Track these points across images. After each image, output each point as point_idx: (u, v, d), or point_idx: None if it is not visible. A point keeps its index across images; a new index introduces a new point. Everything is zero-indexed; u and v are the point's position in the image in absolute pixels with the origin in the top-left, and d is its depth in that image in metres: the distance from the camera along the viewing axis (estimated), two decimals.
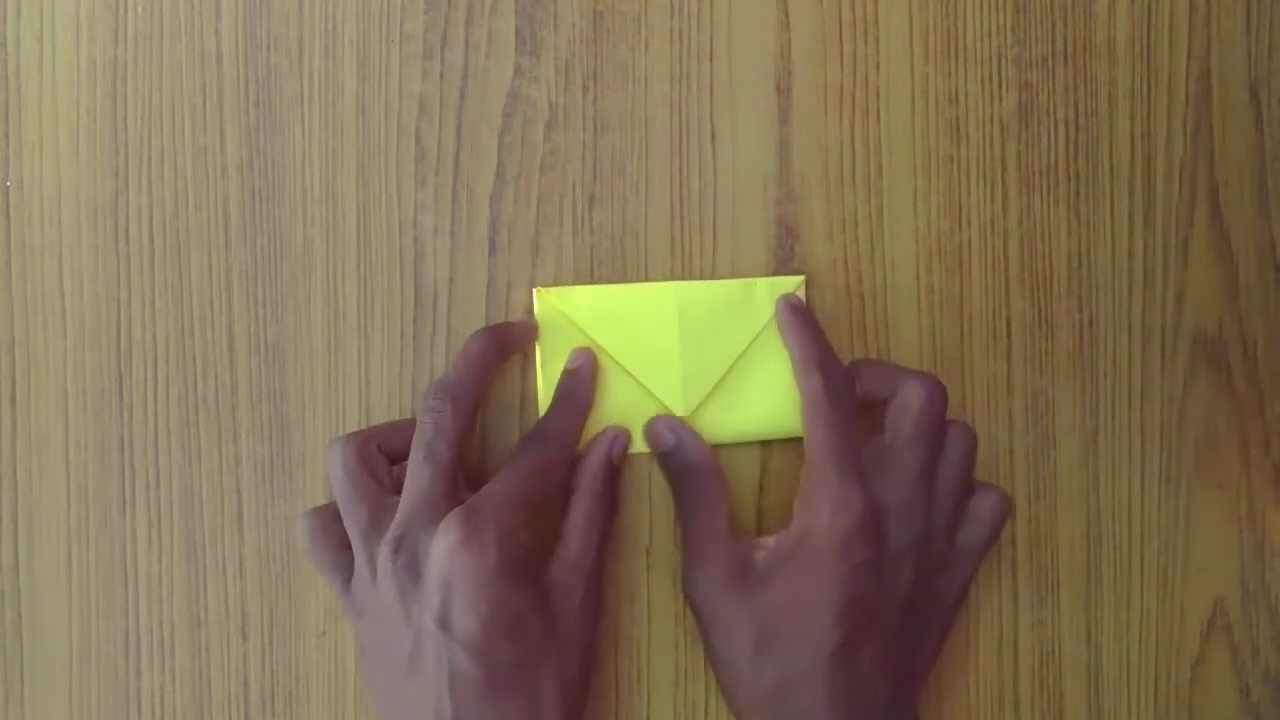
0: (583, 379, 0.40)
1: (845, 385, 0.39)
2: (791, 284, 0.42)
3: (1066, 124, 0.44)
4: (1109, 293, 0.45)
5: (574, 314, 0.41)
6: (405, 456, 0.38)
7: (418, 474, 0.36)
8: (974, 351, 0.44)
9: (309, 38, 0.41)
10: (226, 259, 0.41)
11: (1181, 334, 0.45)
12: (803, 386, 0.39)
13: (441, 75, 0.41)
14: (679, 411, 0.41)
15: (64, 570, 0.41)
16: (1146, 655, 0.45)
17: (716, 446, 0.42)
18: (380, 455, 0.38)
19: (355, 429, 0.41)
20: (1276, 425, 0.46)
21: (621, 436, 0.40)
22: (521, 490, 0.36)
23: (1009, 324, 0.44)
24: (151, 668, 0.41)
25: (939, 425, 0.38)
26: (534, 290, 0.41)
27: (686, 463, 0.40)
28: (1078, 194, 0.45)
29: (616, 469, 0.40)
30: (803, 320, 0.41)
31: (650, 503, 0.42)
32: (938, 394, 0.38)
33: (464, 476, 0.38)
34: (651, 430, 0.41)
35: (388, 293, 0.41)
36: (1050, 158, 0.44)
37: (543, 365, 0.41)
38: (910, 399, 0.38)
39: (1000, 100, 0.44)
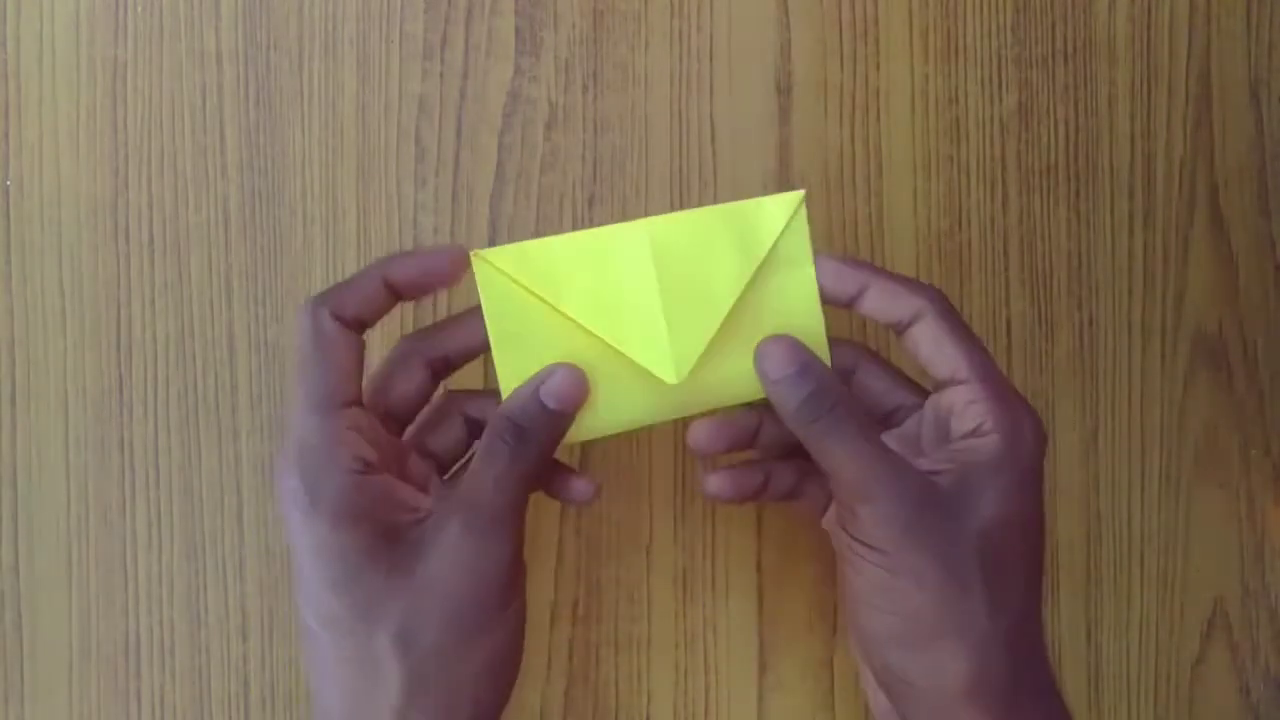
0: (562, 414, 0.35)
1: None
2: (789, 201, 0.36)
3: (1066, 124, 0.44)
4: (1109, 293, 0.45)
5: (523, 276, 0.34)
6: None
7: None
8: None
9: (309, 38, 0.41)
10: (226, 259, 0.41)
11: (1181, 334, 0.45)
12: (918, 306, 0.35)
13: (441, 75, 0.41)
14: (670, 379, 0.34)
15: (64, 570, 0.41)
16: (1146, 655, 0.45)
17: (722, 413, 0.37)
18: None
19: None
20: (1276, 425, 0.46)
21: (564, 376, 0.34)
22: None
23: (1009, 324, 0.44)
24: (151, 668, 0.41)
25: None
26: (470, 254, 0.34)
27: (820, 385, 0.34)
28: (1078, 194, 0.45)
29: (553, 414, 0.34)
30: (862, 263, 0.36)
31: (650, 503, 0.42)
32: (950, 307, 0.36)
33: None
34: (772, 352, 0.34)
35: None
36: (1050, 158, 0.44)
37: (498, 348, 0.34)
38: (933, 318, 0.35)
39: (1000, 100, 0.44)
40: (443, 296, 0.42)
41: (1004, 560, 0.33)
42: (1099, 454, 0.45)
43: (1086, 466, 0.45)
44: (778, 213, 0.35)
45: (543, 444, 0.34)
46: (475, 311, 0.34)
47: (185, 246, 0.41)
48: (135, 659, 0.41)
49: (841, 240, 0.43)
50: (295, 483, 0.31)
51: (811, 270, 0.36)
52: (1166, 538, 0.45)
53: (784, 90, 0.43)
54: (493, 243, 0.42)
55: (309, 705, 0.41)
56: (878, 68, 0.43)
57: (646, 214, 0.42)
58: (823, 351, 0.36)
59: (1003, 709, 0.32)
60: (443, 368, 0.36)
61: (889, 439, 0.36)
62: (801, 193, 0.36)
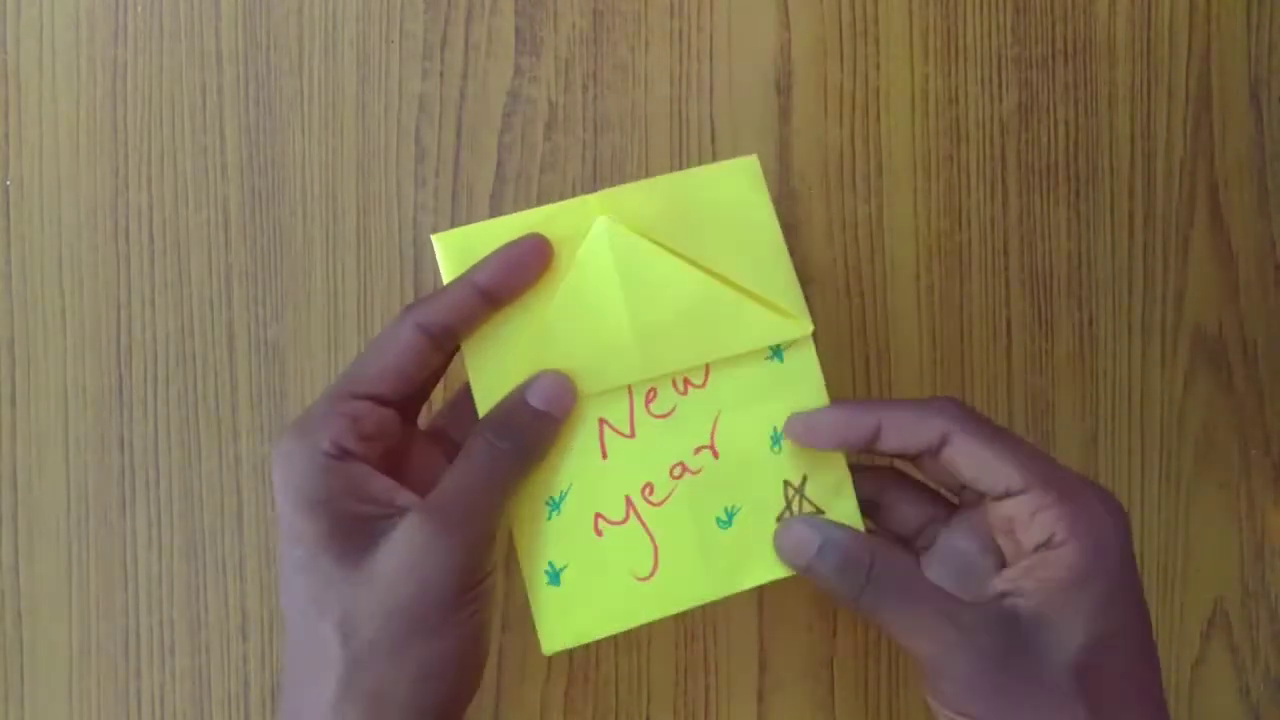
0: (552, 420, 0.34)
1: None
2: (744, 167, 0.35)
3: (1066, 124, 0.44)
4: (1109, 293, 0.45)
5: (480, 256, 0.34)
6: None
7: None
8: (974, 351, 0.44)
9: (309, 38, 0.41)
10: (226, 259, 0.41)
11: (1181, 334, 0.45)
12: (942, 428, 0.33)
13: (441, 75, 0.41)
14: (636, 370, 0.34)
15: (64, 570, 0.41)
16: None
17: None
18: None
19: None
20: (1276, 425, 0.46)
21: (551, 382, 0.34)
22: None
23: (1009, 324, 0.44)
24: (151, 668, 0.41)
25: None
26: (432, 238, 0.34)
27: (846, 557, 0.33)
28: (1078, 194, 0.45)
29: (543, 417, 0.33)
30: (868, 403, 0.36)
31: None
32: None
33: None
34: (786, 542, 0.34)
35: (388, 293, 0.41)
36: (1050, 158, 0.44)
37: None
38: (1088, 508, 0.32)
39: (1000, 100, 0.44)
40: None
41: (1109, 683, 0.31)
42: (1099, 454, 0.45)
43: (1086, 466, 0.45)
44: (734, 177, 0.35)
45: (523, 446, 0.33)
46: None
47: (185, 246, 0.41)
48: (135, 659, 0.41)
49: (841, 240, 0.43)
50: (280, 459, 0.32)
51: (776, 227, 0.35)
52: (1166, 538, 0.45)
53: (784, 90, 0.43)
54: None
55: None
56: (878, 68, 0.43)
57: None
58: (798, 304, 0.35)
59: None
60: (444, 338, 0.34)
61: (936, 571, 0.34)
62: (754, 157, 0.35)
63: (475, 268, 0.33)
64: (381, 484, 0.33)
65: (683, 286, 0.35)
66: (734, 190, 0.35)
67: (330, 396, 0.33)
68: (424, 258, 0.41)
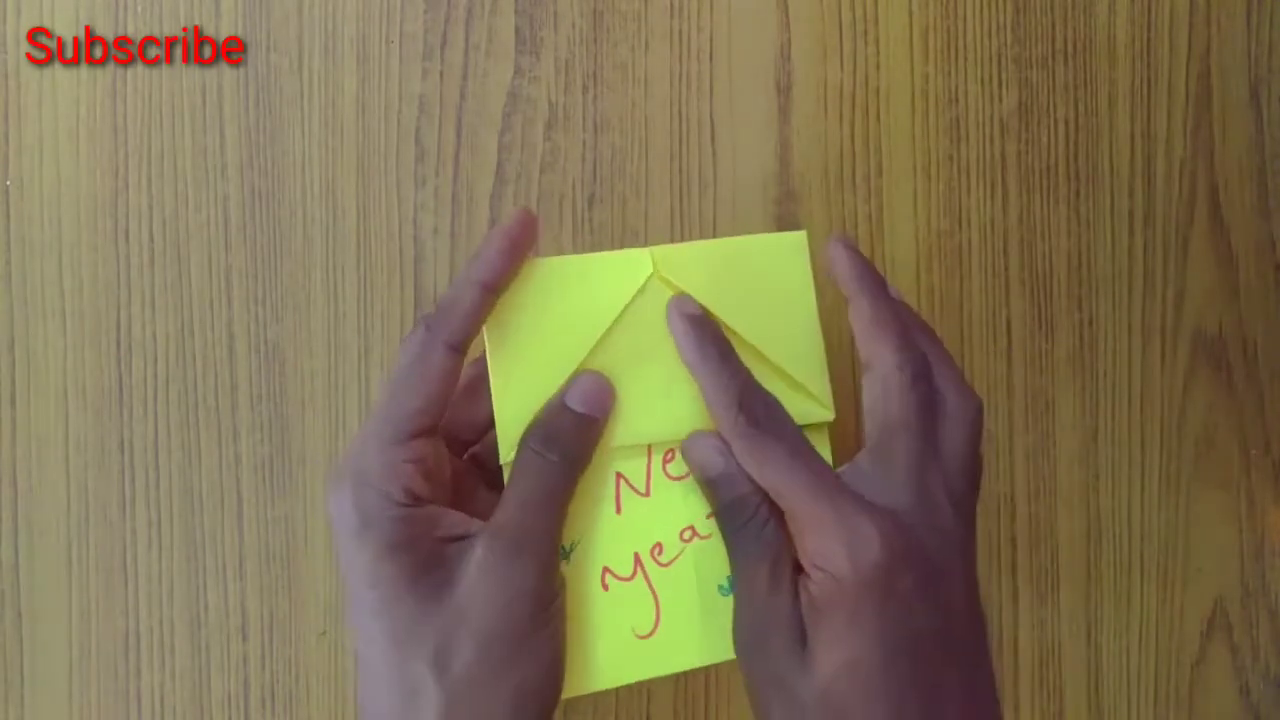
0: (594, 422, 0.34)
1: (771, 408, 0.34)
2: (793, 242, 0.36)
3: (1066, 124, 0.44)
4: (1109, 293, 0.45)
5: (523, 290, 0.34)
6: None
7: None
8: (974, 351, 0.44)
9: (309, 38, 0.41)
10: (226, 259, 0.41)
11: (1181, 334, 0.45)
12: (725, 430, 0.33)
13: (441, 75, 0.41)
14: (660, 430, 0.35)
15: (64, 570, 0.41)
16: (1146, 655, 0.45)
17: None
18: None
19: (355, 429, 0.41)
20: (1276, 425, 0.46)
21: (590, 383, 0.34)
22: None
23: (1009, 324, 0.44)
24: (151, 668, 0.41)
25: (926, 404, 0.33)
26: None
27: (737, 495, 0.34)
28: (1078, 194, 0.45)
29: (585, 420, 0.34)
30: (707, 340, 0.35)
31: None
32: (909, 365, 0.33)
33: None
34: (694, 451, 0.35)
35: (388, 293, 0.41)
36: (1050, 158, 0.44)
37: (492, 348, 0.34)
38: (884, 376, 0.33)
39: (1000, 100, 0.44)
40: None
41: (852, 707, 0.31)
42: (1099, 454, 0.45)
43: (1086, 466, 0.45)
44: (782, 249, 0.36)
45: (571, 454, 0.33)
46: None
47: (185, 246, 0.41)
48: (135, 659, 0.41)
49: None
50: (349, 510, 0.32)
51: (813, 307, 0.36)
52: (1166, 538, 0.45)
53: (784, 90, 0.43)
54: None
55: (309, 705, 0.41)
56: (878, 68, 0.43)
57: (646, 214, 0.42)
58: (822, 390, 0.36)
59: None
60: (468, 348, 0.34)
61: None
62: (804, 233, 0.36)
63: (473, 264, 0.33)
64: (452, 519, 0.33)
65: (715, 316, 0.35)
66: (780, 263, 0.36)
67: (386, 439, 0.33)
68: (424, 258, 0.41)
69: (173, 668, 0.41)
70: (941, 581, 0.32)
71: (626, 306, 0.35)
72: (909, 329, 0.34)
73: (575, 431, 0.34)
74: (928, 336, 0.35)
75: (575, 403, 0.34)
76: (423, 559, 0.32)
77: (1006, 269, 0.44)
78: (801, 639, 0.31)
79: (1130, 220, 0.45)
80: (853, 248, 0.35)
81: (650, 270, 0.35)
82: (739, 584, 0.33)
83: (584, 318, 0.35)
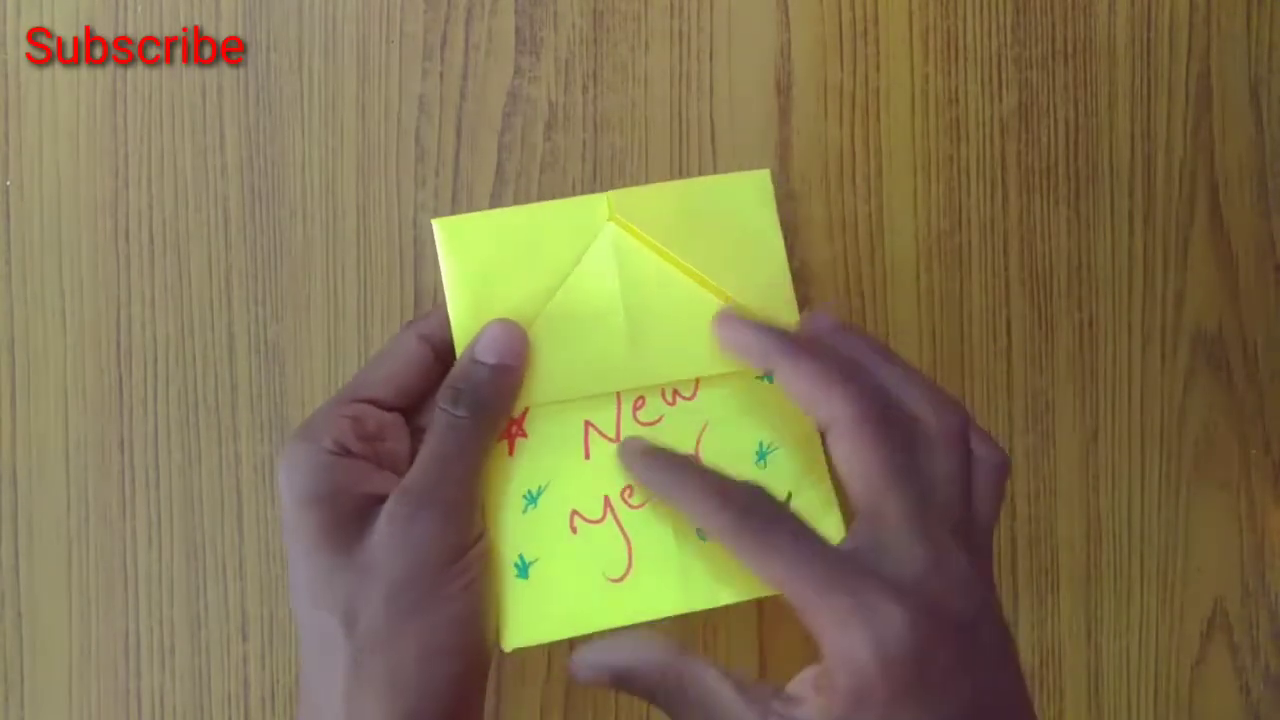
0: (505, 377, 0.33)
1: (755, 495, 0.31)
2: (756, 180, 0.35)
3: (1066, 124, 0.44)
4: (1109, 293, 0.45)
5: (485, 244, 0.34)
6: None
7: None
8: (974, 351, 0.44)
9: (309, 38, 0.41)
10: (226, 259, 0.41)
11: (1181, 334, 0.45)
12: (722, 535, 0.30)
13: (441, 75, 0.41)
14: (626, 378, 0.34)
15: (64, 570, 0.41)
16: (1146, 655, 0.45)
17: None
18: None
19: None
20: (1276, 425, 0.46)
21: (496, 331, 0.33)
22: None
23: (1009, 324, 0.44)
24: (151, 668, 0.41)
25: (902, 443, 0.30)
26: (433, 222, 0.34)
27: (655, 680, 0.31)
28: (1078, 194, 0.45)
29: (494, 370, 0.33)
30: (663, 465, 0.33)
31: None
32: (868, 411, 0.30)
33: None
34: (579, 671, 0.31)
35: (388, 293, 0.41)
36: (1050, 158, 0.44)
37: (455, 314, 0.34)
38: (844, 435, 0.30)
39: (1000, 100, 0.44)
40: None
41: None
42: (1099, 454, 0.45)
43: (1086, 466, 0.45)
44: (744, 189, 0.35)
45: (479, 406, 0.33)
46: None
47: (185, 246, 0.41)
48: (135, 659, 0.41)
49: (841, 240, 0.43)
50: (284, 462, 0.33)
51: (780, 246, 0.35)
52: (1166, 538, 0.45)
53: (784, 90, 0.43)
54: None
55: None
56: (878, 68, 0.43)
57: None
58: (793, 324, 0.35)
59: None
60: (446, 350, 0.35)
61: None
62: (766, 172, 0.36)
63: (474, 341, 0.34)
64: (382, 479, 0.33)
65: (682, 300, 0.35)
66: (743, 203, 0.35)
67: (333, 401, 0.34)
68: (424, 257, 0.41)
69: (173, 668, 0.41)
70: (977, 640, 0.29)
71: (583, 253, 0.34)
72: (851, 367, 0.32)
73: (484, 384, 0.33)
74: (880, 358, 0.33)
75: (482, 354, 0.33)
76: (343, 513, 0.32)
77: (1006, 269, 0.44)
78: None
79: (1130, 220, 0.45)
80: (732, 318, 0.34)
81: (607, 215, 0.34)
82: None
83: (542, 268, 0.34)
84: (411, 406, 0.35)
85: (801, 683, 0.29)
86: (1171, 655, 0.45)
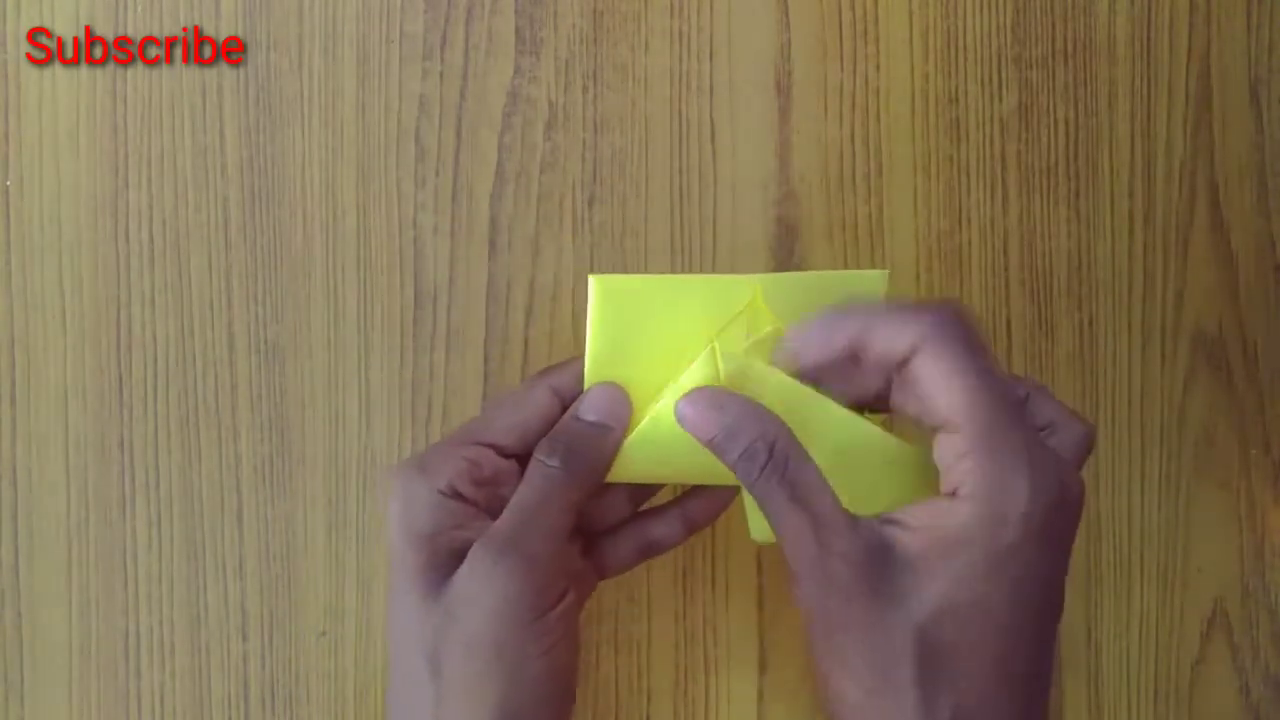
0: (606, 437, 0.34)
1: (973, 329, 0.31)
2: (875, 279, 0.36)
3: (1066, 124, 0.44)
4: (1109, 293, 0.45)
5: (629, 308, 0.34)
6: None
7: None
8: None
9: (309, 38, 0.41)
10: (226, 259, 0.41)
11: (1181, 334, 0.45)
12: (914, 336, 0.30)
13: (441, 75, 0.41)
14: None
15: (64, 570, 0.41)
16: (1146, 655, 0.45)
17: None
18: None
19: (355, 429, 0.41)
20: (1276, 425, 0.46)
21: (599, 393, 0.34)
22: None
23: (1009, 324, 0.44)
24: (151, 668, 0.41)
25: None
26: (590, 279, 0.35)
27: (750, 443, 0.31)
28: (1078, 194, 0.45)
29: (592, 428, 0.34)
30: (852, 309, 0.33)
31: (651, 502, 0.42)
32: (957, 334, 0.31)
33: None
34: (686, 415, 0.32)
35: (388, 293, 0.41)
36: (1050, 158, 0.44)
37: (591, 362, 0.35)
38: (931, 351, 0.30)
39: (1000, 100, 0.44)
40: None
41: (949, 656, 0.29)
42: (1099, 454, 0.45)
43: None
44: (861, 285, 0.36)
45: (572, 460, 0.33)
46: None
47: (185, 246, 0.41)
48: (135, 659, 0.41)
49: (841, 240, 0.43)
50: (394, 491, 0.33)
51: None
52: (1166, 538, 0.45)
53: (784, 90, 0.43)
54: (492, 243, 0.42)
55: (309, 705, 0.41)
56: (878, 68, 0.43)
57: (646, 214, 0.42)
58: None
59: None
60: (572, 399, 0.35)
61: None
62: (885, 272, 0.37)
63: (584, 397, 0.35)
64: (483, 525, 0.33)
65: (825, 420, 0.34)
66: (857, 296, 0.36)
67: (454, 439, 0.34)
68: (424, 257, 0.41)
69: (173, 668, 0.41)
70: (1069, 540, 0.31)
71: (720, 333, 0.35)
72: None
73: (580, 439, 0.34)
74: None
75: (585, 412, 0.34)
76: (441, 554, 0.32)
77: (1006, 269, 0.44)
78: (899, 567, 0.29)
79: (1130, 220, 0.45)
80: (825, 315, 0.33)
81: (749, 298, 0.35)
82: (795, 530, 0.30)
83: (681, 340, 0.34)
84: (530, 456, 0.35)
85: (907, 510, 0.30)
86: (1171, 655, 0.45)
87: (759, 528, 0.34)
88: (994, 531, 0.29)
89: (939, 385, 0.30)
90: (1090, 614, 0.45)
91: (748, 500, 0.34)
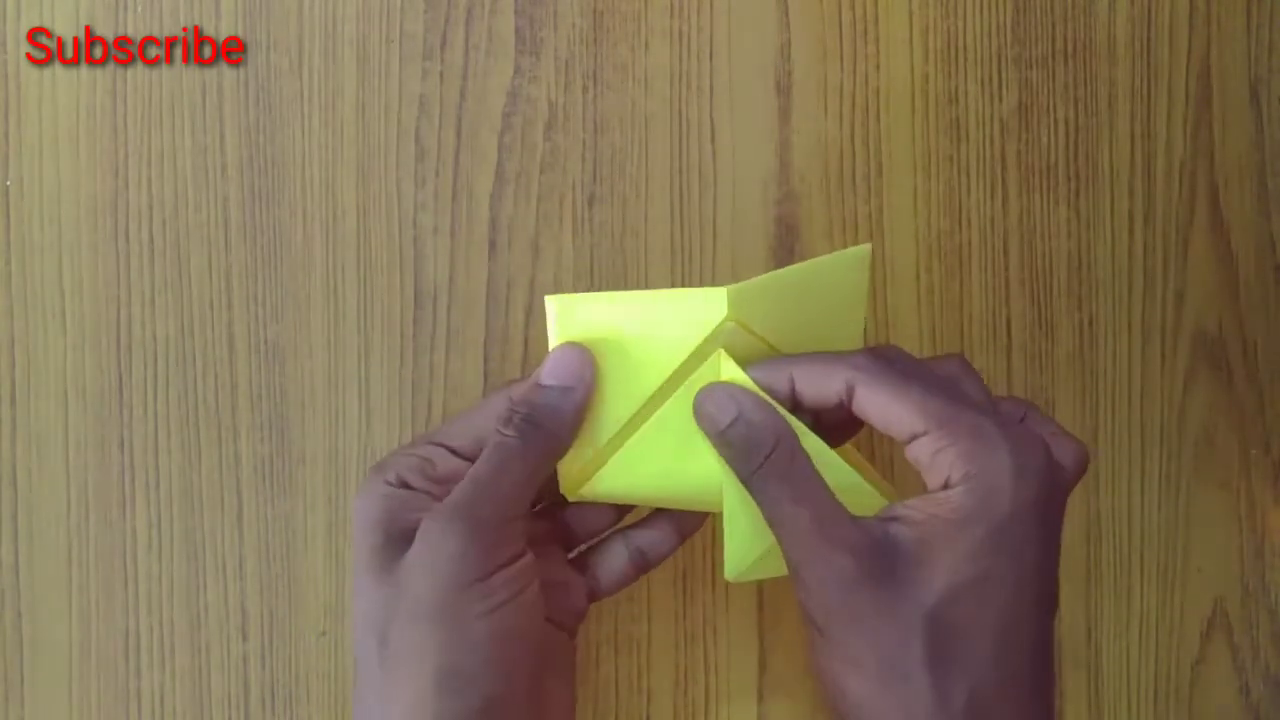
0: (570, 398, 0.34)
1: (892, 350, 0.34)
2: (856, 257, 0.36)
3: (1066, 124, 0.44)
4: (1109, 292, 0.45)
5: (591, 327, 0.34)
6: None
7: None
8: (974, 351, 0.44)
9: (309, 38, 0.41)
10: (226, 259, 0.41)
11: (1181, 334, 0.45)
12: (846, 378, 0.32)
13: (441, 75, 0.41)
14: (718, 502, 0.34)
15: (64, 570, 0.41)
16: (1146, 655, 0.45)
17: None
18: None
19: (355, 428, 0.41)
20: (1276, 425, 0.46)
21: (559, 355, 0.34)
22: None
23: (1009, 324, 0.44)
24: (151, 668, 0.41)
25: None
26: (546, 300, 0.35)
27: (759, 435, 0.31)
28: (1078, 194, 0.45)
29: (551, 392, 0.33)
30: (781, 358, 0.35)
31: None
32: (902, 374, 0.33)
33: None
34: (704, 404, 0.32)
35: (388, 293, 0.41)
36: (1050, 158, 0.44)
37: None
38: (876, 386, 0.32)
39: (1000, 100, 0.44)
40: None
41: (959, 639, 0.29)
42: (1099, 454, 0.45)
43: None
44: (842, 267, 0.35)
45: (529, 427, 0.33)
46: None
47: (185, 246, 0.41)
48: (135, 659, 0.41)
49: (841, 240, 0.43)
50: (357, 496, 0.34)
51: (862, 316, 0.37)
52: (1166, 538, 0.45)
53: (784, 90, 0.43)
54: (492, 243, 0.42)
55: (309, 705, 0.41)
56: (878, 68, 0.43)
57: (646, 214, 0.42)
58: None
59: None
60: None
61: None
62: (867, 246, 0.36)
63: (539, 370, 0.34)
64: (425, 503, 0.33)
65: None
66: (838, 281, 0.36)
67: (411, 443, 0.36)
68: (424, 257, 0.41)
69: (173, 668, 0.41)
70: (1059, 512, 0.32)
71: (695, 350, 0.34)
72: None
73: (541, 406, 0.33)
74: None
75: (545, 377, 0.34)
76: (393, 535, 0.32)
77: (1006, 269, 0.44)
78: (902, 558, 0.29)
79: (1130, 220, 0.45)
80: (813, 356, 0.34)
81: (724, 313, 0.33)
82: (795, 525, 0.30)
83: (650, 359, 0.34)
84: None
85: (904, 506, 0.31)
86: (1171, 655, 0.45)
87: (734, 566, 0.34)
88: (990, 504, 0.29)
89: (889, 410, 0.31)
90: (1090, 614, 0.45)
91: (728, 535, 0.34)
